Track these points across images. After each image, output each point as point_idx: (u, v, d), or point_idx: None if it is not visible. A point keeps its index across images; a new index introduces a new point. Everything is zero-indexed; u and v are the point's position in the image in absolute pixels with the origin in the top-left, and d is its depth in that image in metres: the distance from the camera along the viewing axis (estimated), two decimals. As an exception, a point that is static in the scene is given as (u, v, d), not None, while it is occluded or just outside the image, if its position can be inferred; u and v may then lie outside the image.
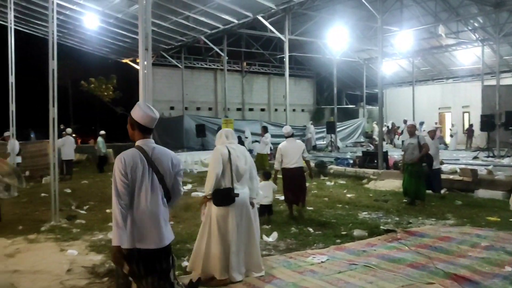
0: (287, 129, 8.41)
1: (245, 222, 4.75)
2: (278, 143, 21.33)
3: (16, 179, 8.94)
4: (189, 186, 12.17)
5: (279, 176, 8.21)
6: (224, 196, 4.63)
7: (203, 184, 11.85)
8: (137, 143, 3.20)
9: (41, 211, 8.79)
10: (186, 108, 26.96)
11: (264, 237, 6.46)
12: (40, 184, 13.04)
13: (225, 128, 5.06)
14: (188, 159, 16.21)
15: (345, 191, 11.07)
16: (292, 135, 8.30)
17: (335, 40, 21.30)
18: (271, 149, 16.39)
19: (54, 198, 7.83)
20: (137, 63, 24.99)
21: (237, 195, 4.62)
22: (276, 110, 33.01)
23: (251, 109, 31.86)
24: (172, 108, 27.65)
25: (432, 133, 10.28)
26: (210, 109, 29.82)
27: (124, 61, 25.78)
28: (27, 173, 14.93)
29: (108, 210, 8.81)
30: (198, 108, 29.12)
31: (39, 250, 5.91)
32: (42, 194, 10.85)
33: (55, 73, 8.19)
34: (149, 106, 3.24)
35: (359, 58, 29.71)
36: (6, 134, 14.18)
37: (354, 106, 35.02)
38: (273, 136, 23.37)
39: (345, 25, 20.53)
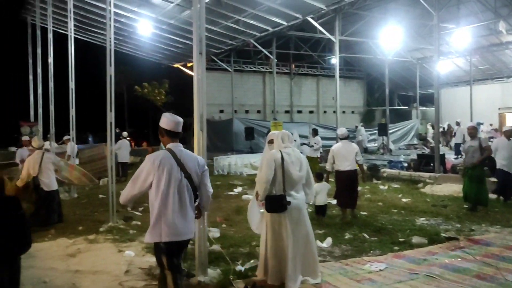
0: (342, 131, 8.23)
1: (300, 227, 4.60)
2: (328, 146, 20.96)
3: (87, 180, 9.41)
4: (239, 189, 12.20)
5: (331, 179, 8.05)
6: (275, 204, 4.49)
7: (253, 187, 11.94)
8: (168, 146, 3.65)
9: (99, 212, 9.10)
10: (235, 111, 27.18)
11: (318, 243, 6.30)
12: (98, 186, 13.52)
13: (282, 130, 4.85)
14: (238, 162, 16.26)
15: (400, 196, 10.66)
16: (347, 137, 8.12)
17: (388, 40, 20.68)
18: (321, 152, 16.13)
19: (111, 200, 8.07)
20: (188, 68, 25.54)
21: (289, 203, 4.45)
22: (325, 112, 32.57)
23: (299, 112, 31.64)
24: (221, 111, 27.97)
25: (508, 133, 9.43)
26: (258, 111, 29.91)
27: (175, 65, 26.41)
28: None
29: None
30: (247, 111, 29.29)
31: (98, 251, 6.09)
32: (100, 196, 11.26)
33: (112, 79, 8.46)
34: (171, 114, 3.74)
35: (412, 57, 28.71)
36: (65, 138, 14.91)
37: (406, 107, 33.89)
38: (322, 138, 23.21)
39: (398, 24, 19.90)
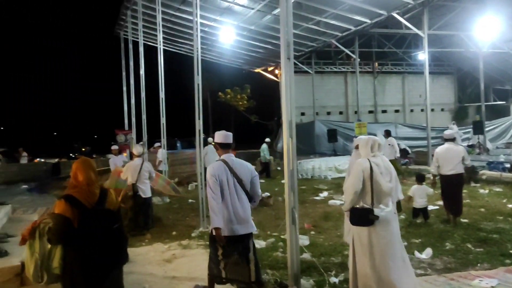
0: (448, 132, 7.80)
1: (390, 241, 4.19)
2: (416, 146, 19.88)
3: (171, 190, 9.78)
4: (325, 194, 11.93)
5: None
6: (361, 217, 4.17)
7: (339, 192, 11.63)
8: (221, 157, 4.37)
9: (190, 217, 9.39)
10: (316, 113, 26.84)
11: (416, 254, 5.89)
12: (187, 190, 14.04)
13: (371, 136, 4.49)
14: (322, 165, 15.95)
15: (504, 201, 9.69)
16: (453, 139, 7.60)
17: (483, 31, 19.07)
18: (407, 152, 15.41)
19: (201, 205, 8.27)
20: (269, 72, 25.72)
21: (376, 217, 4.09)
22: (412, 110, 30.97)
23: (384, 111, 30.41)
24: (303, 114, 27.78)
25: None
26: (340, 113, 29.26)
27: (256, 70, 26.73)
28: (176, 179, 16.31)
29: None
30: (328, 113, 28.79)
31: (192, 257, 6.24)
32: (190, 200, 11.64)
33: (199, 87, 8.69)
34: (221, 131, 4.53)
35: (510, 48, 26.22)
36: (156, 145, 15.68)
37: (504, 102, 31.07)
38: (409, 139, 22.07)
39: (494, 13, 18.27)
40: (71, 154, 26.28)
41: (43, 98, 62.72)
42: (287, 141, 4.98)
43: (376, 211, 4.10)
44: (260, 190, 4.56)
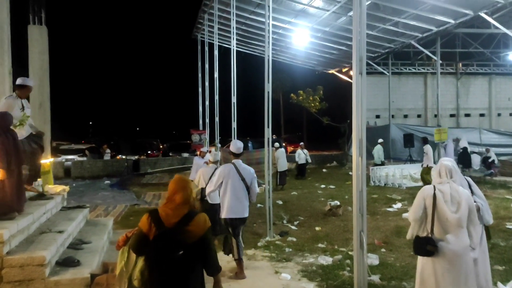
0: None
1: (458, 279, 3.81)
2: (503, 154, 18.34)
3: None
4: (398, 205, 11.33)
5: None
6: (419, 247, 3.91)
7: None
8: (233, 161, 6.19)
9: (258, 224, 9.36)
10: (392, 116, 25.74)
11: (499, 285, 5.34)
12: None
13: (446, 163, 4.07)
14: (396, 173, 15.23)
15: None
16: None
17: None
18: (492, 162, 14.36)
19: (268, 214, 8.21)
20: (343, 74, 25.10)
21: (435, 249, 3.81)
22: (499, 115, 28.62)
23: (467, 115, 28.42)
24: (377, 116, 26.82)
25: None
26: (418, 116, 27.83)
27: (330, 71, 26.22)
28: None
29: (317, 228, 8.87)
30: (405, 116, 27.54)
31: (257, 270, 6.20)
32: (258, 205, 11.64)
33: (270, 95, 8.64)
34: (235, 142, 6.35)
35: None
36: (204, 149, 15.68)
37: None
38: (495, 146, 20.34)
39: None
40: (149, 152, 27.56)
41: (128, 98, 66.77)
42: (356, 160, 4.75)
43: (441, 243, 3.82)
44: (257, 189, 6.31)
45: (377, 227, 8.92)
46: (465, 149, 17.88)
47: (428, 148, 13.84)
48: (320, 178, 18.30)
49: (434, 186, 3.96)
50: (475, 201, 4.13)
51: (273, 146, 16.07)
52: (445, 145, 16.94)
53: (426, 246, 3.84)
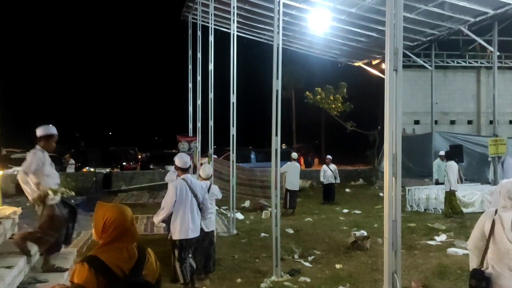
0: None
1: None
2: None
3: None
4: (442, 237, 11.30)
5: None
6: (471, 279, 4.11)
7: (462, 235, 10.95)
8: (182, 177, 7.11)
9: (261, 259, 9.35)
10: (435, 122, 25.69)
11: None
12: (260, 219, 14.10)
13: (509, 184, 4.13)
14: (440, 195, 15.16)
15: None
16: None
17: None
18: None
19: (275, 246, 8.19)
20: (373, 67, 25.16)
21: (479, 284, 3.99)
22: None
23: (534, 122, 28.45)
24: (416, 122, 26.83)
25: None
26: (469, 122, 27.85)
27: (356, 64, 26.30)
28: (247, 203, 16.51)
29: (338, 265, 8.85)
30: (452, 122, 27.57)
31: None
32: (263, 234, 11.64)
33: (279, 93, 8.67)
34: (181, 155, 7.41)
35: None
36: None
37: None
38: None
39: None
40: (124, 163, 27.63)
41: (99, 95, 67.06)
42: (389, 180, 4.73)
43: (500, 279, 3.96)
44: (209, 205, 7.46)
45: (415, 265, 8.90)
46: None
47: (451, 166, 13.91)
48: (342, 200, 18.27)
49: (496, 210, 4.12)
50: None
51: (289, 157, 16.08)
52: (503, 160, 16.91)
53: (474, 277, 4.05)
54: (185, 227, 6.88)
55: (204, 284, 7.68)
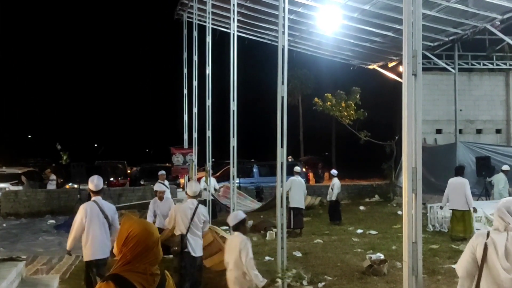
0: None
1: None
2: None
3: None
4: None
5: None
6: None
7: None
8: (93, 199, 7.96)
9: (266, 286, 9.31)
10: (459, 131, 25.71)
11: None
12: (264, 241, 14.08)
13: (508, 203, 4.22)
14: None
15: None
16: None
17: None
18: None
19: (282, 271, 8.19)
20: (389, 70, 25.22)
21: None
22: None
23: None
24: (438, 131, 26.80)
25: None
26: (498, 131, 27.81)
27: (371, 67, 26.37)
28: (249, 223, 16.47)
29: (351, 293, 8.81)
30: (478, 131, 27.51)
31: None
32: (267, 258, 11.62)
33: (284, 100, 8.70)
34: (93, 178, 8.03)
35: None
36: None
37: None
38: None
39: None
40: (112, 179, 27.63)
41: (84, 103, 67.23)
42: (408, 197, 4.75)
43: None
44: (118, 225, 7.69)
45: (439, 291, 8.88)
46: None
47: (460, 183, 13.87)
48: (355, 219, 18.23)
49: (488, 233, 4.18)
50: None
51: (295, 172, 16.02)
52: None
53: None
54: (98, 248, 7.71)
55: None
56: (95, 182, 7.97)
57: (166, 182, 15.66)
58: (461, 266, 4.28)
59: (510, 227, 4.08)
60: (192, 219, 8.04)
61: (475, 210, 13.86)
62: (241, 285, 6.48)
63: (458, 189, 13.87)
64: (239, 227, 6.66)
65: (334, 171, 18.73)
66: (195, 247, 7.96)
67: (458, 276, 4.33)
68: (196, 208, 8.09)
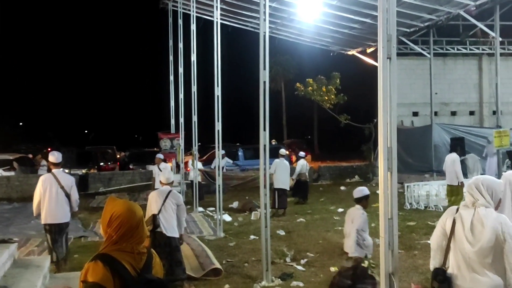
0: None
1: None
2: None
3: None
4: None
5: None
6: (433, 280, 4.27)
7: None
8: (53, 171, 8.70)
9: (250, 263, 9.39)
10: (435, 114, 25.85)
11: None
12: (250, 221, 14.13)
13: (477, 180, 4.23)
14: (441, 192, 15.26)
15: None
16: None
17: None
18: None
19: (265, 249, 8.21)
20: (368, 56, 25.24)
21: (445, 284, 4.13)
22: None
23: (538, 112, 28.69)
24: (415, 114, 26.95)
25: None
26: (471, 113, 28.02)
27: (350, 53, 26.35)
28: (235, 204, 16.54)
29: (333, 268, 8.89)
30: (453, 113, 27.71)
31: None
32: (252, 237, 11.68)
33: (266, 85, 8.68)
34: (53, 153, 8.96)
35: None
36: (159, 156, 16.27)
37: None
38: None
39: None
40: (102, 163, 27.50)
41: (74, 90, 66.60)
42: (384, 176, 4.76)
43: (457, 281, 4.12)
44: (77, 195, 8.91)
45: (415, 266, 8.98)
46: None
47: (451, 159, 13.91)
48: (337, 198, 18.35)
49: (457, 208, 4.27)
50: None
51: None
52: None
53: (436, 277, 4.20)
54: (51, 214, 8.47)
55: (189, 291, 7.69)
56: (55, 156, 8.81)
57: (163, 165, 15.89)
58: (433, 239, 4.39)
59: (478, 204, 4.12)
60: (164, 202, 8.11)
61: (463, 185, 13.86)
62: (358, 252, 6.94)
63: (450, 165, 13.90)
64: (362, 200, 7.20)
65: (301, 153, 18.96)
66: (168, 227, 8.00)
67: (431, 249, 4.42)
68: (169, 193, 8.21)
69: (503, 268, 4.05)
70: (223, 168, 18.97)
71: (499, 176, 11.93)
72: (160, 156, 16.48)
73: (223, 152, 21.46)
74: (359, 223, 6.78)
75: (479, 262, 4.05)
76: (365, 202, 7.20)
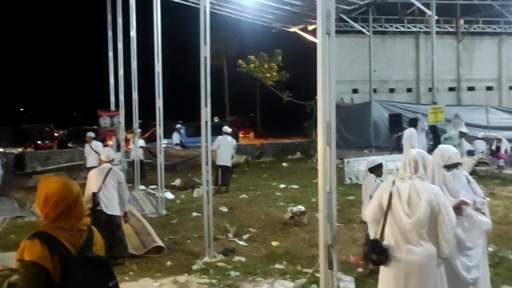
0: None
1: None
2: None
3: None
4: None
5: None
6: (368, 251, 4.46)
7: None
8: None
9: (193, 240, 9.39)
10: (374, 91, 26.43)
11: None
12: (192, 198, 14.10)
13: (412, 153, 4.49)
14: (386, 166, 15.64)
15: None
16: None
17: None
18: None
19: (207, 226, 8.23)
20: (309, 33, 25.39)
21: (382, 256, 4.29)
22: (511, 88, 30.16)
23: (471, 88, 29.77)
24: (355, 91, 27.41)
25: None
26: (409, 90, 28.76)
27: (291, 30, 26.45)
28: (177, 181, 16.43)
29: (274, 243, 9.02)
30: (391, 90, 28.37)
31: (191, 303, 6.22)
32: (194, 214, 11.67)
33: (207, 61, 8.61)
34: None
35: None
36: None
37: None
38: (506, 129, 21.35)
39: None
40: (39, 142, 26.72)
41: (8, 67, 63.97)
42: (323, 150, 4.82)
43: (394, 252, 4.28)
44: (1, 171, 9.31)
45: (354, 239, 9.13)
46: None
47: (408, 134, 14.30)
48: (279, 175, 18.52)
49: (393, 182, 4.41)
50: (475, 202, 4.55)
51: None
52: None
53: (374, 250, 4.32)
54: None
55: (131, 269, 7.63)
56: None
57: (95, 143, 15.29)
58: (369, 212, 4.54)
59: (414, 177, 4.30)
60: (104, 180, 8.02)
61: None
62: None
63: (407, 139, 14.29)
64: (375, 169, 7.31)
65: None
66: (108, 205, 7.94)
67: (367, 221, 4.62)
68: (109, 171, 8.13)
69: (436, 237, 4.25)
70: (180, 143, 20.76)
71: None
72: (91, 134, 15.76)
73: (179, 126, 22.59)
74: (372, 189, 6.93)
75: (415, 233, 4.22)
76: (378, 170, 7.36)
